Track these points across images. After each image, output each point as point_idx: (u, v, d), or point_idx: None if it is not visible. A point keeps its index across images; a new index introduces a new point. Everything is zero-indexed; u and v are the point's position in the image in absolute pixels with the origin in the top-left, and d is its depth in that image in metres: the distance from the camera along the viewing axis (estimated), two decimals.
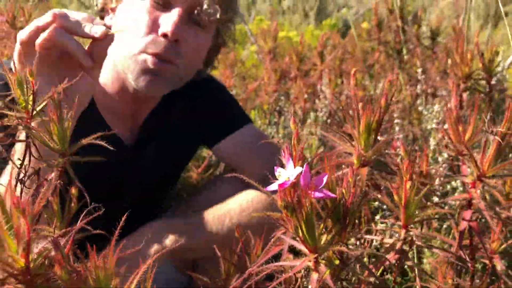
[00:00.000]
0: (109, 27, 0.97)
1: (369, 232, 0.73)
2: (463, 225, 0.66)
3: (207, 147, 1.49)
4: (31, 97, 0.70)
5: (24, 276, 0.46)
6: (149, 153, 1.34)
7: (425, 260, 1.10)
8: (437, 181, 1.06)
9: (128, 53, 1.14)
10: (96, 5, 1.25)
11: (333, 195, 0.55)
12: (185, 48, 1.15)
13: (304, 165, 0.55)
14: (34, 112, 0.71)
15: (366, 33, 2.30)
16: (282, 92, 1.89)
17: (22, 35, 0.84)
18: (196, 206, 1.46)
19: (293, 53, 1.76)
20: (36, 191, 0.62)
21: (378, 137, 0.74)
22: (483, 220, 0.88)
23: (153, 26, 1.12)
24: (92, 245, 0.47)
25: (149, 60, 1.11)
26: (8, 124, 0.68)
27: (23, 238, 0.45)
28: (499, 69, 2.06)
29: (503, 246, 0.79)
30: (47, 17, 0.84)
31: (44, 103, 0.70)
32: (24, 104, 0.70)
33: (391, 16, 2.05)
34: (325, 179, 0.56)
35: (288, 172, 0.56)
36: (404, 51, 1.89)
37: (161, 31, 1.11)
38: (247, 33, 3.43)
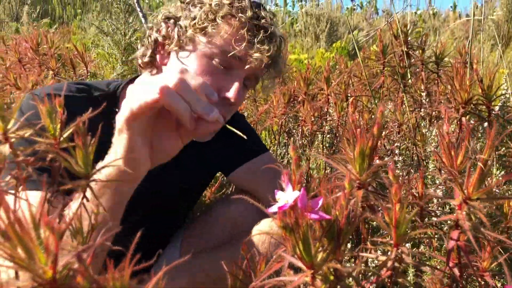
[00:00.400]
0: (163, 64, 1.11)
1: (365, 250, 0.79)
2: (451, 244, 0.71)
3: (224, 173, 1.59)
4: (58, 125, 0.78)
5: (51, 285, 0.52)
6: (169, 179, 1.41)
7: (425, 278, 1.14)
8: (435, 202, 1.11)
9: None
10: (149, 36, 1.34)
11: (327, 216, 0.61)
12: (235, 106, 1.32)
13: (301, 189, 0.62)
14: (61, 138, 0.79)
15: (374, 55, 2.37)
16: (291, 114, 1.96)
17: (133, 106, 0.86)
18: (208, 224, 1.54)
19: (300, 78, 1.84)
20: (62, 210, 0.69)
21: (377, 161, 0.80)
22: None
23: (215, 85, 1.24)
24: (111, 258, 0.54)
25: None
26: (38, 149, 0.76)
27: (51, 252, 0.51)
28: (502, 92, 2.11)
29: (493, 264, 0.84)
30: (154, 94, 0.85)
31: (70, 131, 0.78)
32: (52, 132, 0.78)
33: (396, 41, 2.12)
34: (320, 202, 0.62)
35: (287, 196, 0.63)
36: (409, 75, 1.96)
37: (225, 95, 1.25)
38: None
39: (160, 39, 1.33)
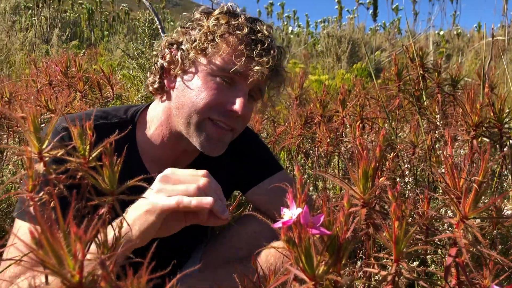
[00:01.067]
0: (171, 88, 1.21)
1: (368, 265, 0.83)
2: (449, 260, 0.75)
3: (240, 191, 1.64)
4: (88, 146, 0.86)
5: None
6: None
7: None
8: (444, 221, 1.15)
9: (194, 120, 1.34)
10: (156, 63, 1.43)
11: (328, 232, 0.66)
12: (243, 118, 1.40)
13: (304, 207, 0.67)
14: (90, 158, 0.87)
15: (393, 77, 2.42)
16: (307, 135, 2.01)
17: (171, 203, 1.05)
18: (226, 241, 1.60)
19: (316, 100, 1.90)
20: (89, 222, 0.76)
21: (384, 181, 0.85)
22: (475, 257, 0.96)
23: (221, 100, 1.33)
24: (131, 267, 0.60)
25: (214, 129, 1.35)
26: (69, 167, 0.84)
27: (79, 258, 0.57)
28: None
29: (495, 282, 0.87)
30: (192, 202, 1.05)
31: (98, 151, 0.86)
32: (82, 152, 0.86)
33: (412, 64, 2.16)
34: (322, 219, 0.68)
35: (291, 212, 0.68)
36: (424, 97, 1.99)
37: (231, 108, 1.33)
38: None
39: (165, 64, 1.41)
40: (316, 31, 17.90)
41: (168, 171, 1.13)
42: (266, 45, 1.35)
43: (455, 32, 14.48)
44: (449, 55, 10.77)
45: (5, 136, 2.55)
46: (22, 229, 1.19)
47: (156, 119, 1.44)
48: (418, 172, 1.95)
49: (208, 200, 1.06)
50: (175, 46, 1.41)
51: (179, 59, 1.38)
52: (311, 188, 1.99)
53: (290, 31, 16.80)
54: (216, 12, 1.39)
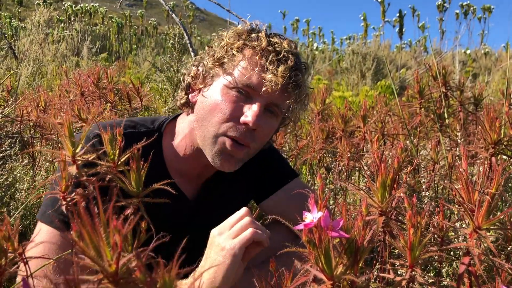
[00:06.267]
0: (194, 103, 1.27)
1: (384, 271, 0.87)
2: (462, 268, 0.79)
3: (256, 202, 1.66)
4: (117, 152, 0.93)
5: (114, 278, 0.64)
6: (208, 207, 1.53)
7: None
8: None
9: (209, 133, 1.35)
10: (183, 80, 1.49)
11: (346, 235, 0.71)
12: (259, 133, 1.36)
13: (325, 211, 0.72)
14: (119, 162, 0.94)
15: (415, 95, 2.45)
16: (328, 149, 2.06)
17: (246, 235, 1.15)
18: None
19: (338, 116, 1.95)
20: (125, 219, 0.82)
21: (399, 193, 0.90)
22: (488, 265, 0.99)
23: (236, 113, 1.33)
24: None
25: (228, 143, 1.33)
26: (99, 171, 0.91)
27: (116, 250, 0.63)
28: None
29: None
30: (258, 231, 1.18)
31: (126, 156, 0.93)
32: (112, 157, 0.93)
33: (435, 82, 2.20)
34: (341, 223, 0.73)
35: (312, 216, 0.73)
36: (446, 115, 2.02)
37: (243, 120, 1.31)
38: None
39: (189, 80, 1.46)
40: (341, 48, 17.97)
41: (215, 230, 1.22)
42: (281, 55, 1.33)
43: (482, 51, 14.35)
44: (476, 74, 10.67)
45: (38, 143, 2.66)
46: (44, 232, 1.22)
47: (182, 131, 1.47)
48: (439, 190, 1.97)
49: (264, 230, 1.18)
50: (200, 62, 1.45)
51: (201, 73, 1.42)
52: (331, 202, 2.02)
53: (315, 48, 16.90)
54: (239, 27, 1.42)
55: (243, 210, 1.21)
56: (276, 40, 1.38)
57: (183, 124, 1.49)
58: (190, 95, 1.47)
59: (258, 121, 1.31)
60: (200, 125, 1.38)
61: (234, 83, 1.33)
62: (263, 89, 1.30)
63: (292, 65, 1.34)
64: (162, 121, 1.51)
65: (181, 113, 1.57)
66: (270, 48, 1.34)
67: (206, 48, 1.48)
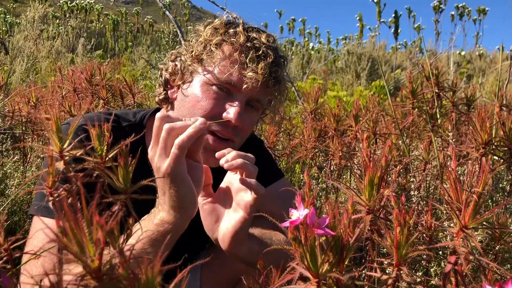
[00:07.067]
0: (173, 99, 1.24)
1: (371, 269, 0.87)
2: (448, 267, 0.79)
3: None
4: (105, 147, 0.93)
5: (97, 274, 0.63)
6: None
7: None
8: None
9: None
10: (161, 76, 1.47)
11: (332, 232, 0.71)
12: (242, 129, 1.36)
13: (311, 208, 0.72)
14: (107, 158, 0.93)
15: (408, 95, 2.46)
16: (321, 149, 2.06)
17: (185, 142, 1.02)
18: None
19: (331, 115, 1.95)
20: (109, 215, 0.82)
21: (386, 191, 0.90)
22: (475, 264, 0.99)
23: (218, 110, 1.32)
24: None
25: (210, 138, 1.32)
26: (87, 166, 0.90)
27: (99, 245, 0.63)
28: None
29: None
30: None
31: (114, 152, 0.92)
32: (100, 152, 0.93)
33: (427, 83, 2.20)
34: (327, 220, 0.72)
35: (298, 213, 0.73)
36: (438, 115, 2.02)
37: (225, 116, 1.31)
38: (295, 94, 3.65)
39: (167, 76, 1.45)
40: (337, 48, 17.98)
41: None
42: (261, 51, 1.33)
43: (477, 53, 14.41)
44: (470, 76, 10.72)
45: (29, 139, 2.65)
46: (39, 224, 1.20)
47: None
48: (432, 190, 1.97)
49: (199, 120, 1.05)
50: (177, 58, 1.44)
51: (179, 69, 1.41)
52: (322, 200, 2.02)
53: (311, 47, 16.91)
54: (216, 22, 1.41)
55: (156, 118, 1.08)
56: (254, 35, 1.37)
57: None
58: (169, 92, 1.46)
59: (240, 118, 1.31)
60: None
61: (214, 80, 1.32)
62: (244, 86, 1.30)
63: (271, 61, 1.34)
64: (143, 115, 1.49)
65: (158, 108, 1.55)
66: (249, 44, 1.34)
67: (183, 43, 1.47)
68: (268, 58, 1.33)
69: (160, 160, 1.04)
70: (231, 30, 1.37)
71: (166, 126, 1.04)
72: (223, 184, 1.21)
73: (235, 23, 1.41)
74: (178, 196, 1.02)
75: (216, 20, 1.42)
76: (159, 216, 1.05)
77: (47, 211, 1.20)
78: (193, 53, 1.38)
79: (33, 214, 1.25)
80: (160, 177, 1.04)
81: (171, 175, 1.02)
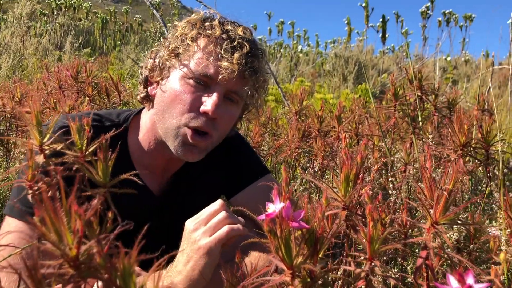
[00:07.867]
0: (153, 96, 1.25)
1: (346, 263, 0.89)
2: (419, 262, 0.81)
3: (226, 197, 1.65)
4: (85, 141, 0.94)
5: (75, 262, 0.64)
6: (175, 202, 1.52)
7: None
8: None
9: (171, 125, 1.35)
10: (141, 74, 1.48)
11: (306, 226, 0.73)
12: (220, 122, 1.36)
13: (287, 202, 0.74)
14: (87, 152, 0.95)
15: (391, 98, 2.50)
16: (305, 149, 2.09)
17: (222, 232, 1.14)
18: None
19: (314, 116, 1.98)
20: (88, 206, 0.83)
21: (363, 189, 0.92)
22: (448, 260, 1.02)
23: (196, 104, 1.33)
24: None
25: (189, 134, 1.33)
26: (67, 160, 0.91)
27: (77, 234, 0.64)
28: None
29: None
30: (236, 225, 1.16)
31: (94, 146, 0.94)
32: (80, 146, 0.94)
33: (410, 86, 2.24)
34: (302, 214, 0.74)
35: (274, 206, 0.75)
36: (419, 118, 2.06)
37: (202, 109, 1.32)
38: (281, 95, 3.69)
39: (147, 73, 1.45)
40: (325, 51, 18.07)
41: (189, 223, 1.19)
42: (236, 42, 1.34)
43: (463, 59, 14.59)
44: (456, 81, 10.85)
45: (13, 135, 2.64)
46: (12, 226, 1.20)
47: (145, 125, 1.46)
48: (413, 191, 2.01)
49: (239, 220, 1.18)
50: (156, 55, 1.44)
51: (157, 65, 1.41)
52: (306, 201, 2.04)
53: (299, 50, 16.99)
54: (193, 16, 1.43)
55: (218, 203, 1.19)
56: (230, 27, 1.39)
57: (146, 118, 1.48)
58: (148, 89, 1.46)
59: (217, 110, 1.32)
60: (161, 118, 1.37)
61: (191, 74, 1.33)
62: (220, 77, 1.31)
63: (247, 52, 1.35)
64: (127, 115, 1.50)
65: (142, 109, 1.56)
66: (224, 36, 1.34)
67: (161, 39, 1.48)
68: (243, 49, 1.34)
69: (203, 235, 1.14)
70: (207, 24, 1.38)
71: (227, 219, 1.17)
72: None
73: (212, 17, 1.42)
74: (202, 267, 1.12)
75: (193, 15, 1.43)
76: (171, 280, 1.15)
77: (19, 214, 1.19)
78: (169, 47, 1.38)
79: (6, 214, 1.24)
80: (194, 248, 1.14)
81: (208, 250, 1.12)
